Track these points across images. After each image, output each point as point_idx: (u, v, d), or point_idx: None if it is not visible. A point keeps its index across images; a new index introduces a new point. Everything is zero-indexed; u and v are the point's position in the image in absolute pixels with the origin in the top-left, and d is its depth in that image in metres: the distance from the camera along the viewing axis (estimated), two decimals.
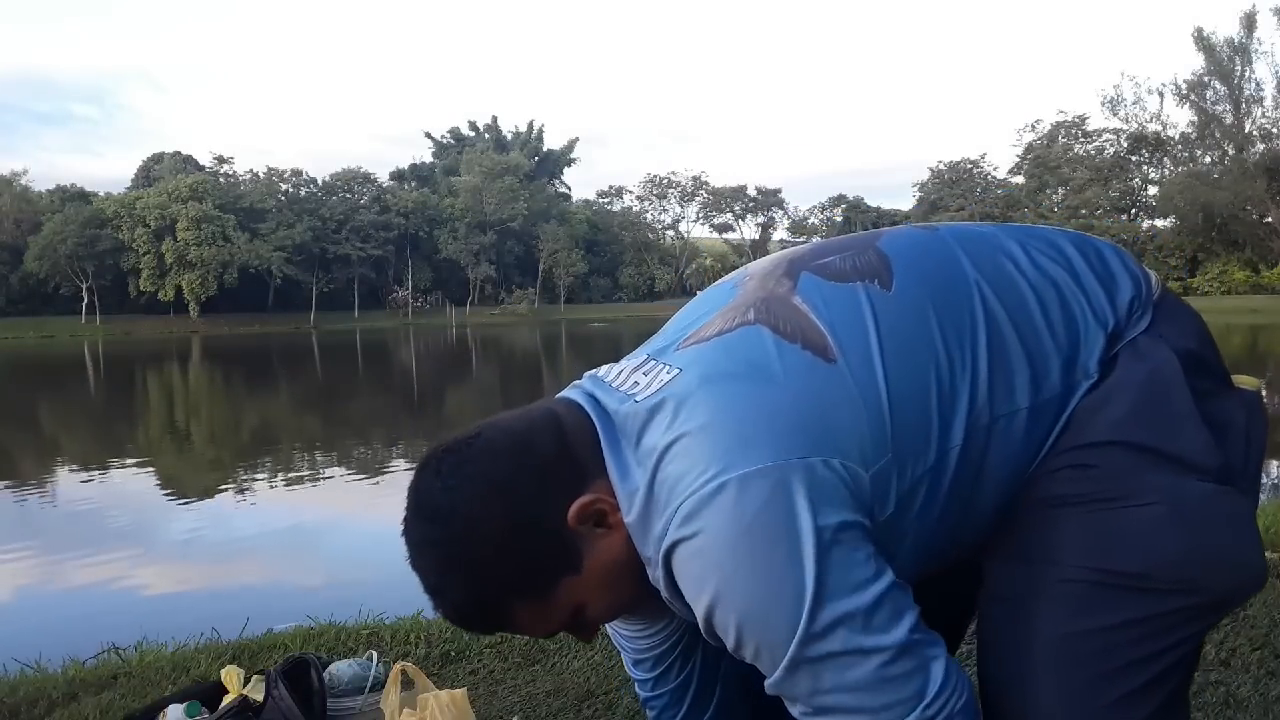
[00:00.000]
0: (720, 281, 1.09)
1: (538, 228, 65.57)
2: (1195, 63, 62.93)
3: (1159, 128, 56.27)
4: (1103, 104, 60.66)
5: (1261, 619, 2.36)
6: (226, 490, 8.62)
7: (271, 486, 8.79)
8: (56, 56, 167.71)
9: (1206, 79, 51.44)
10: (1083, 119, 61.60)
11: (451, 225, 64.12)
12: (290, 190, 63.97)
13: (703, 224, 77.58)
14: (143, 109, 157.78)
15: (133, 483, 9.07)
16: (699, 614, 0.88)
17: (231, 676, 2.04)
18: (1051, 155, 61.12)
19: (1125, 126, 57.64)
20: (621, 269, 72.30)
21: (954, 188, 65.27)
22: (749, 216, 77.43)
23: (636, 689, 1.27)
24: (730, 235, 78.68)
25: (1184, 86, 52.47)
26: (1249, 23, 49.66)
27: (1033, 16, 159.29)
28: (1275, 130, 50.63)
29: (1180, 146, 56.73)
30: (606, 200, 77.67)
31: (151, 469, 10.04)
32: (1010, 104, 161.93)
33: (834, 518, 0.83)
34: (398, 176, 72.70)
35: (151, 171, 62.46)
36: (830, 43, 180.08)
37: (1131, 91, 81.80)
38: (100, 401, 19.00)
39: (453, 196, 64.59)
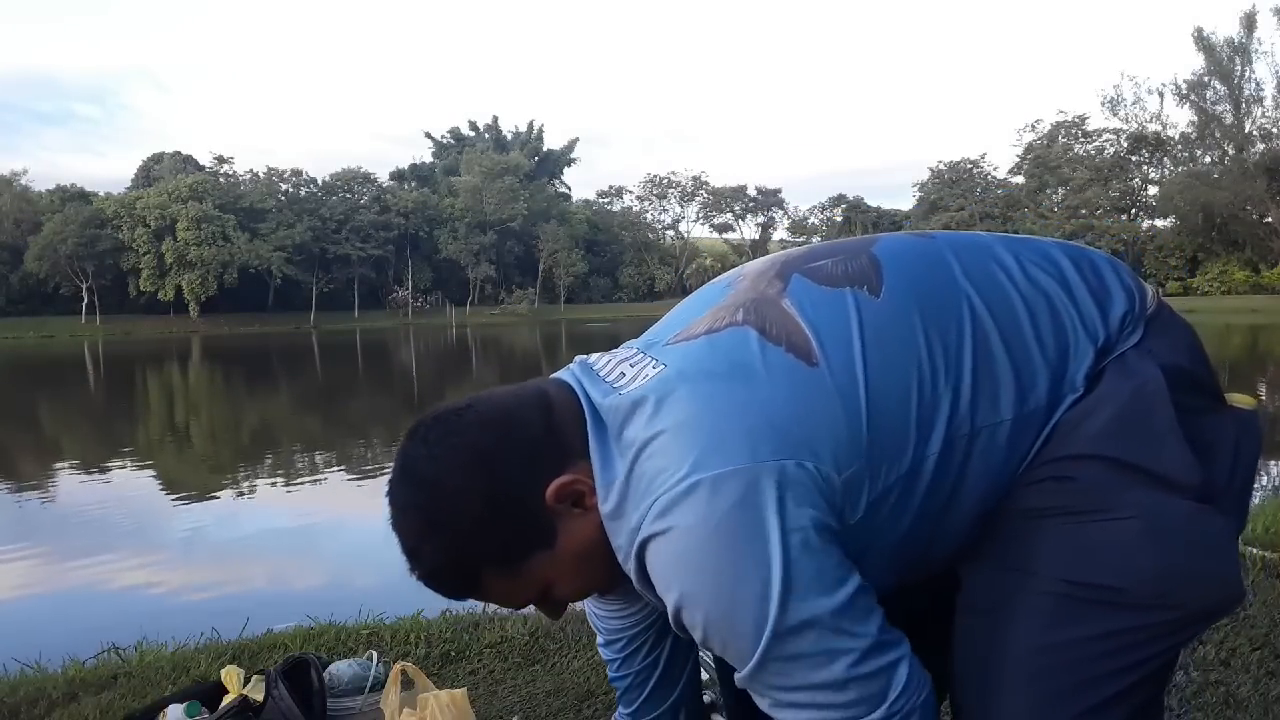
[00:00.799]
0: (715, 280, 1.10)
1: (538, 228, 65.55)
2: (1195, 63, 63.19)
3: (1159, 128, 56.39)
4: (1103, 104, 60.94)
5: (1261, 619, 2.36)
6: (226, 490, 8.61)
7: (271, 486, 8.79)
8: (59, 56, 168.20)
9: (1206, 79, 51.48)
10: (1083, 119, 61.68)
11: (451, 225, 64.11)
12: (290, 190, 63.91)
13: (703, 224, 77.68)
14: (145, 109, 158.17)
15: (132, 483, 9.07)
16: (669, 607, 0.89)
17: (231, 676, 2.04)
18: (1051, 155, 61.09)
19: (1125, 126, 57.77)
20: (621, 269, 72.28)
21: (954, 188, 65.20)
22: (749, 216, 77.50)
23: (607, 669, 1.31)
24: (730, 235, 78.71)
25: (1184, 86, 52.57)
26: (1249, 23, 49.71)
27: (1033, 16, 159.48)
28: (1275, 130, 50.66)
29: (1180, 146, 56.77)
30: (606, 200, 77.71)
31: (151, 469, 10.04)
32: (1010, 104, 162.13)
33: (804, 519, 0.85)
34: (398, 176, 72.67)
35: (151, 171, 62.43)
36: (830, 43, 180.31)
37: (1131, 91, 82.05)
38: (100, 401, 18.99)
39: (453, 196, 64.57)
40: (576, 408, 0.96)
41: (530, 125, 75.06)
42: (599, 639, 1.30)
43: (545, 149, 75.58)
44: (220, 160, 63.18)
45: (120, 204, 55.85)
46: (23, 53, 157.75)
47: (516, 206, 63.10)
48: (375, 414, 14.76)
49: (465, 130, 75.55)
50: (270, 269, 57.14)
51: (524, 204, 63.76)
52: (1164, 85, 68.59)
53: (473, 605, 2.61)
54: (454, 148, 73.86)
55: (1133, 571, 0.91)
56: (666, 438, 0.87)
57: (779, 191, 77.37)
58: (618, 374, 0.97)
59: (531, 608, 1.05)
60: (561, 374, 1.03)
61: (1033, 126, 63.92)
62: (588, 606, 1.29)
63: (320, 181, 64.75)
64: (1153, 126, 56.34)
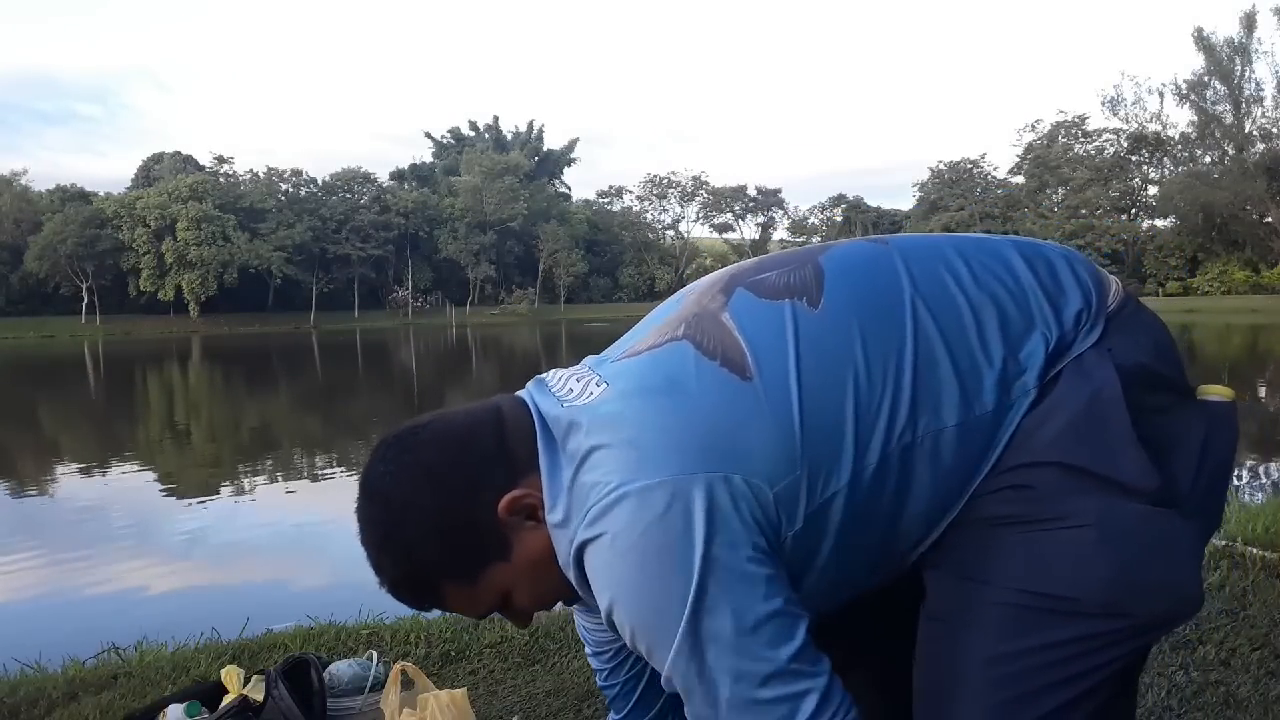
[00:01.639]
0: (672, 296, 1.12)
1: (538, 228, 65.57)
2: (1195, 63, 63.17)
3: (1159, 128, 56.39)
4: (1103, 104, 60.97)
5: (1261, 619, 2.36)
6: (226, 490, 8.62)
7: (271, 486, 8.80)
8: (60, 55, 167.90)
9: (1206, 79, 51.50)
10: (1083, 119, 61.69)
11: (451, 225, 64.12)
12: (290, 190, 63.93)
13: (703, 224, 77.71)
14: (147, 108, 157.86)
15: (133, 483, 9.07)
16: (602, 610, 0.92)
17: (231, 676, 2.04)
18: (1051, 155, 61.10)
19: (1125, 126, 57.78)
20: (621, 269, 72.30)
21: (954, 188, 65.18)
22: (749, 216, 77.55)
23: (595, 677, 1.35)
24: (730, 235, 78.75)
25: (1184, 86, 52.58)
26: (1249, 23, 49.73)
27: (1033, 16, 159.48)
28: (1275, 130, 50.68)
29: (1180, 146, 56.78)
30: (606, 200, 77.73)
31: (151, 469, 10.04)
32: (1010, 104, 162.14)
33: (727, 534, 0.86)
34: (398, 176, 72.66)
35: (151, 171, 62.45)
36: (831, 43, 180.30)
37: (1131, 91, 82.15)
38: (100, 401, 19.00)
39: (453, 196, 64.58)
40: (529, 423, 0.98)
41: (530, 125, 75.18)
42: (587, 649, 1.33)
43: (545, 149, 75.58)
44: (220, 160, 63.27)
45: (120, 204, 55.85)
46: (24, 52, 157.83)
47: (516, 206, 63.11)
48: (375, 414, 14.76)
49: (465, 130, 75.59)
50: (270, 269, 57.15)
51: (524, 204, 63.77)
52: (1164, 85, 68.71)
53: None
54: (454, 148, 73.86)
55: (1085, 581, 0.91)
56: (603, 452, 0.91)
57: (779, 191, 77.53)
58: (566, 389, 1.00)
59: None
60: (519, 392, 1.06)
61: (1033, 126, 64.04)
62: (576, 618, 1.33)
63: (320, 181, 64.80)
64: (1153, 126, 56.40)
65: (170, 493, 8.71)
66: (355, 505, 1.02)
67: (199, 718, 1.91)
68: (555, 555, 0.96)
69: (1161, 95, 57.53)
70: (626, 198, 77.45)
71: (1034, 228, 58.51)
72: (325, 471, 9.59)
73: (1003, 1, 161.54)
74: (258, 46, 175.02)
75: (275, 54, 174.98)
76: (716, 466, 0.88)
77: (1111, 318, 0.99)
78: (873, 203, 74.21)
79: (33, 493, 8.81)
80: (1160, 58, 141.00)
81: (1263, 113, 51.18)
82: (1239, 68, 50.42)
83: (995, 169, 67.16)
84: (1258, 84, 51.74)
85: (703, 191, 75.50)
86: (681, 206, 76.49)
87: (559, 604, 1.07)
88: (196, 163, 62.74)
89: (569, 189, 78.38)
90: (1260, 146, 50.75)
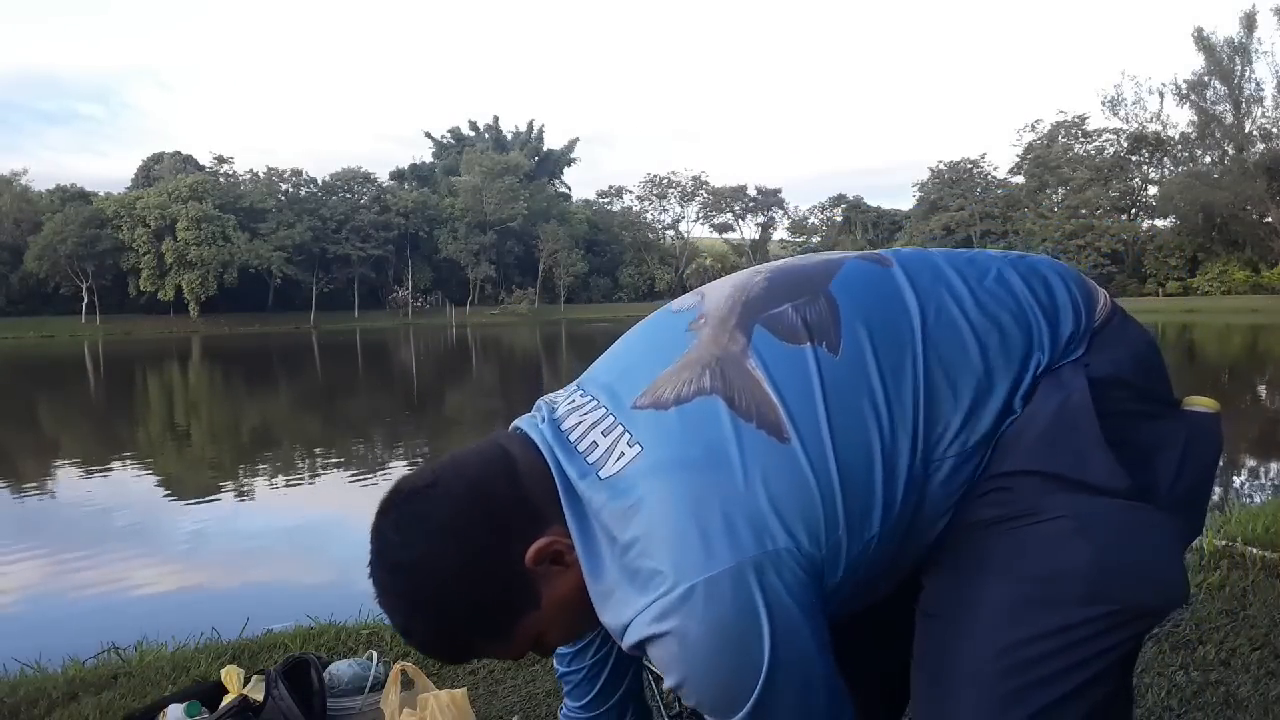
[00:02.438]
0: (677, 308, 1.09)
1: (538, 228, 65.57)
2: (1195, 63, 63.21)
3: (1159, 128, 56.41)
4: (1103, 104, 61.03)
5: (1261, 619, 2.36)
6: (226, 490, 8.62)
7: (271, 486, 8.79)
8: (62, 55, 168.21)
9: (1206, 79, 51.50)
10: (1083, 119, 61.71)
11: (451, 225, 64.12)
12: (290, 190, 63.93)
13: (703, 224, 77.70)
14: (148, 108, 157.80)
15: (133, 482, 9.07)
16: (667, 683, 0.94)
17: (231, 676, 2.04)
18: (1051, 155, 61.10)
19: (1125, 126, 57.81)
20: (621, 269, 72.30)
21: (954, 188, 65.15)
22: (749, 216, 77.54)
23: (555, 663, 1.35)
24: (730, 235, 78.77)
25: (1184, 86, 52.59)
26: (1249, 23, 49.73)
27: (1033, 16, 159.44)
28: (1275, 130, 50.68)
29: (1180, 146, 56.78)
30: (606, 200, 77.71)
31: (151, 469, 10.04)
32: (1010, 104, 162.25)
33: (787, 620, 0.89)
34: (398, 176, 72.68)
35: (151, 171, 62.45)
36: (831, 43, 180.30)
37: (1131, 91, 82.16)
38: (100, 401, 19.00)
39: (453, 196, 64.58)
40: (542, 469, 0.96)
41: (530, 125, 75.19)
42: None
43: (545, 149, 75.58)
44: (220, 160, 63.31)
45: (120, 204, 55.85)
46: (26, 52, 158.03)
47: (516, 206, 63.12)
48: (375, 414, 14.77)
49: (465, 130, 75.60)
50: (270, 269, 57.17)
51: (524, 204, 63.79)
52: (1164, 85, 68.78)
53: None
54: (454, 148, 73.86)
55: (1067, 566, 0.93)
56: (653, 542, 0.90)
57: (779, 191, 77.53)
58: (590, 443, 0.97)
59: None
60: (524, 424, 1.04)
61: (1033, 126, 64.08)
62: None
63: (320, 181, 64.81)
64: (1153, 126, 56.43)
65: (170, 493, 8.70)
66: (370, 571, 0.99)
67: (199, 718, 1.91)
68: (585, 595, 0.96)
69: (1161, 95, 57.66)
70: (626, 198, 77.60)
71: (1034, 228, 58.53)
72: (325, 472, 9.58)
73: (1003, 1, 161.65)
74: (259, 46, 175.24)
75: (276, 54, 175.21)
76: (770, 541, 0.89)
77: (1096, 333, 1.01)
78: (873, 203, 74.28)
79: (33, 493, 8.81)
80: (1160, 58, 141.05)
81: (1263, 113, 51.25)
82: (1239, 68, 50.44)
83: (995, 169, 67.30)
84: (1258, 84, 51.82)
85: (703, 191, 75.52)
86: (681, 206, 76.58)
87: None
88: (197, 163, 62.75)
89: (569, 189, 78.50)
90: (1260, 146, 50.75)
